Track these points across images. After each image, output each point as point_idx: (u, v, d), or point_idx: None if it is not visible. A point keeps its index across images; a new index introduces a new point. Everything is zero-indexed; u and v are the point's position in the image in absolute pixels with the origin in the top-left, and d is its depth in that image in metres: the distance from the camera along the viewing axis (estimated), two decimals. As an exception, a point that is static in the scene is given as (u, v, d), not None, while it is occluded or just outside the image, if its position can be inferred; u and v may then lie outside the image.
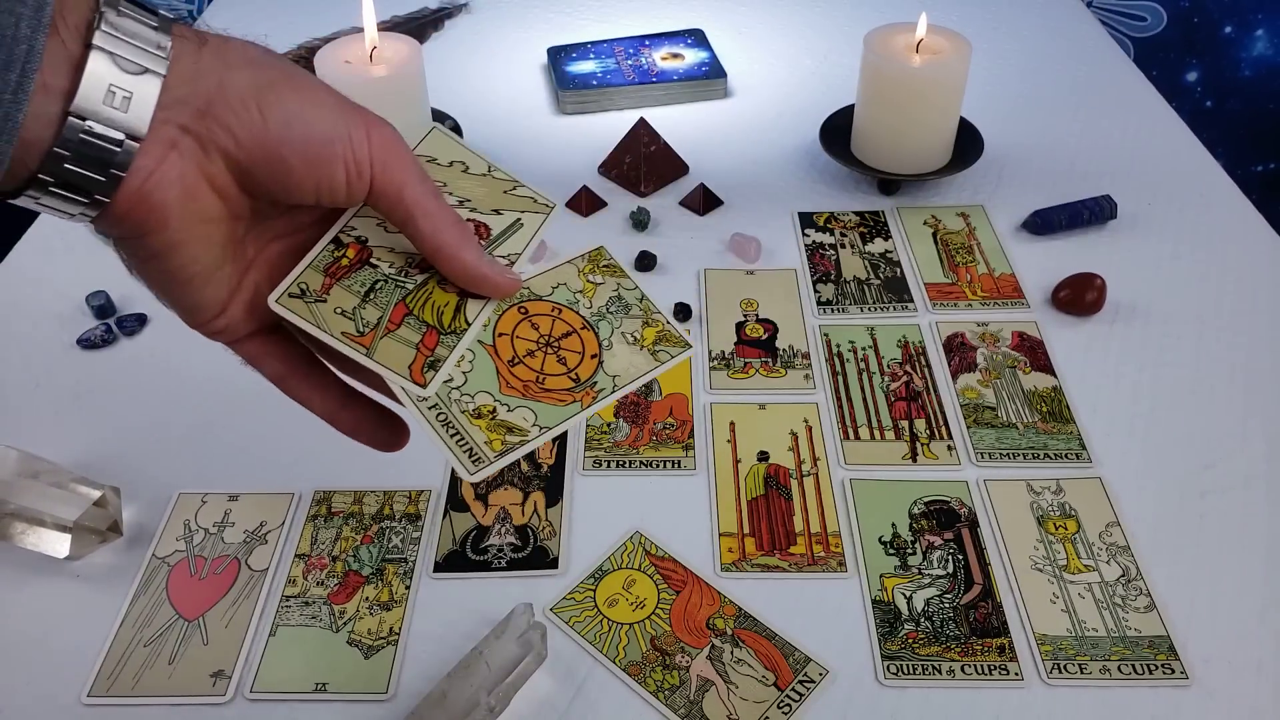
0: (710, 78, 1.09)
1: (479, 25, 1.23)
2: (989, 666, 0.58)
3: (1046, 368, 0.76)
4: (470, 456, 0.44)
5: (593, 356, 0.48)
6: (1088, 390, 0.75)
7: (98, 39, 0.36)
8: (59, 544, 0.62)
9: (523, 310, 0.49)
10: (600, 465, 0.70)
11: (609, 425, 0.72)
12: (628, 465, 0.70)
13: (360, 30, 0.89)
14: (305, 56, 1.08)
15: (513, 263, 0.48)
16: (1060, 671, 0.57)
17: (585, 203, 0.93)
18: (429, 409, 0.45)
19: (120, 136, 0.37)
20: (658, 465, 0.70)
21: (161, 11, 0.39)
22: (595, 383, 0.47)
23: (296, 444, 0.70)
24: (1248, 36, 1.50)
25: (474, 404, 0.46)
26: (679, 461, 0.70)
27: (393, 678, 0.58)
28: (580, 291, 0.50)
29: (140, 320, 0.81)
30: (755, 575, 0.63)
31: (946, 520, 0.66)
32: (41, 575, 0.63)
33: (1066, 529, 0.65)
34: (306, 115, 0.40)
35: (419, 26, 1.19)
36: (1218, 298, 0.82)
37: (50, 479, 0.63)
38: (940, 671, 0.57)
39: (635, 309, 0.50)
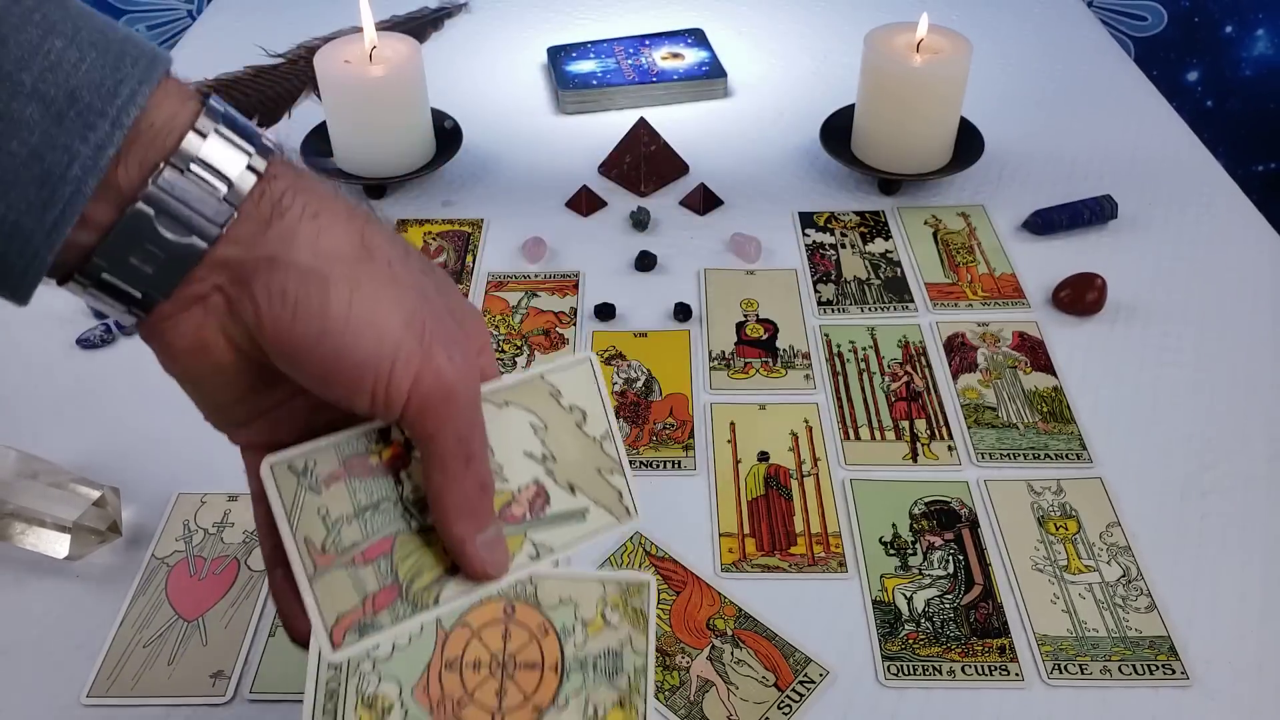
0: (710, 77, 1.09)
1: (479, 25, 1.23)
2: (989, 667, 0.58)
3: (1047, 368, 0.76)
4: None
5: (535, 708, 0.39)
6: (1088, 390, 0.74)
7: (145, 196, 0.33)
8: (58, 544, 0.62)
9: (508, 611, 0.40)
10: (600, 465, 0.69)
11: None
12: (628, 465, 0.69)
13: (360, 30, 0.89)
14: (305, 56, 1.08)
15: (541, 555, 0.41)
16: (1061, 672, 0.57)
17: (585, 203, 0.93)
18: (325, 668, 0.38)
19: (138, 295, 0.34)
20: (658, 465, 0.70)
21: (249, 163, 0.34)
22: None
23: (296, 444, 0.69)
24: (1248, 36, 1.50)
25: (376, 687, 0.38)
26: (679, 462, 0.70)
27: (392, 678, 0.58)
28: (585, 623, 0.41)
29: (140, 320, 0.81)
30: (755, 576, 0.63)
31: (947, 520, 0.66)
32: (41, 575, 0.63)
33: (1067, 529, 0.65)
34: (349, 332, 0.35)
35: (418, 26, 1.19)
36: (1218, 298, 0.82)
37: (49, 479, 0.63)
38: (940, 672, 0.57)
39: (622, 679, 0.41)
